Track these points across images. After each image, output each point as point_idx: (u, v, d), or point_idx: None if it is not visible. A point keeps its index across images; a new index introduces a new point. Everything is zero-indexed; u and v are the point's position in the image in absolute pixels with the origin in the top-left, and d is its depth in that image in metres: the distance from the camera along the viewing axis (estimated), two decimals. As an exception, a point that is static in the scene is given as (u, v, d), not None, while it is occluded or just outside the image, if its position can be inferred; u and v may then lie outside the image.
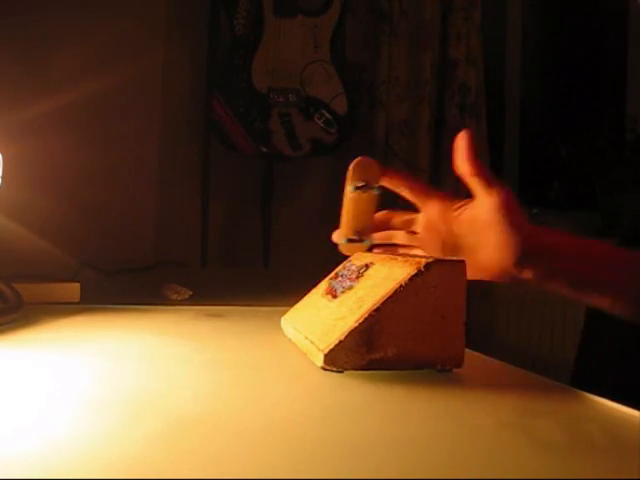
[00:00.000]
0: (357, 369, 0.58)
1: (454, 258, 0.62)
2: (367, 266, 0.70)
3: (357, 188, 0.74)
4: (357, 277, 0.69)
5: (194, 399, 0.51)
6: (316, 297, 0.76)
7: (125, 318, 0.89)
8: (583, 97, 2.62)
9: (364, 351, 0.58)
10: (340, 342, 0.58)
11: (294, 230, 2.09)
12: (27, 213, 1.09)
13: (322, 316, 0.68)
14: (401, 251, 0.78)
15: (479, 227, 0.67)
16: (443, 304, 0.60)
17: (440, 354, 0.60)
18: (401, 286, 0.59)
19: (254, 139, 1.91)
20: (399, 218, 0.76)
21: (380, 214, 0.77)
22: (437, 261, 0.61)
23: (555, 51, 2.67)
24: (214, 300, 1.04)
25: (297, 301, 0.79)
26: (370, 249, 0.78)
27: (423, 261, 0.61)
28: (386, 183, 0.73)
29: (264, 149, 1.92)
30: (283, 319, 0.79)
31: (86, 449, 0.39)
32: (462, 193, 0.70)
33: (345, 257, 0.80)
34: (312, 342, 0.63)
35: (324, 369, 0.58)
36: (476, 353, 0.72)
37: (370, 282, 0.66)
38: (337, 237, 0.77)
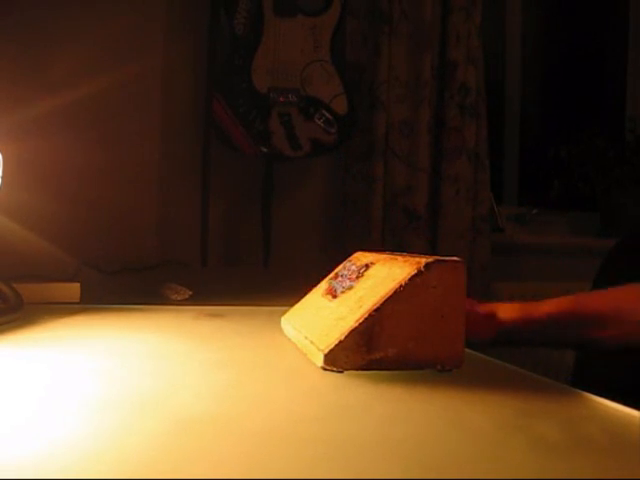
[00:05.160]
0: (357, 369, 0.58)
1: (454, 258, 0.62)
2: (367, 266, 0.70)
3: None
4: (357, 277, 0.69)
5: (194, 399, 0.51)
6: (316, 297, 0.76)
7: (125, 318, 0.89)
8: (583, 97, 2.62)
9: (364, 351, 0.58)
10: (340, 342, 0.58)
11: (294, 230, 2.09)
12: (27, 213, 1.09)
13: (322, 316, 0.68)
14: None
15: None
16: (443, 304, 0.60)
17: (440, 354, 0.60)
18: (401, 286, 0.59)
19: (254, 139, 1.90)
20: None
21: None
22: (437, 261, 0.61)
23: (555, 51, 2.67)
24: (214, 300, 1.04)
25: (297, 301, 0.79)
26: None
27: (423, 261, 0.61)
28: None
29: (264, 149, 1.92)
30: (283, 319, 0.79)
31: (86, 449, 0.39)
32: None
33: (345, 258, 0.80)
34: (312, 342, 0.63)
35: (324, 369, 0.58)
36: (476, 353, 0.72)
37: (370, 282, 0.66)
38: None
